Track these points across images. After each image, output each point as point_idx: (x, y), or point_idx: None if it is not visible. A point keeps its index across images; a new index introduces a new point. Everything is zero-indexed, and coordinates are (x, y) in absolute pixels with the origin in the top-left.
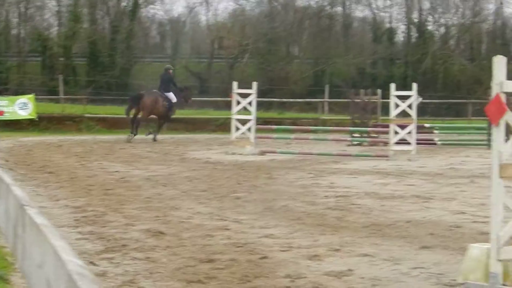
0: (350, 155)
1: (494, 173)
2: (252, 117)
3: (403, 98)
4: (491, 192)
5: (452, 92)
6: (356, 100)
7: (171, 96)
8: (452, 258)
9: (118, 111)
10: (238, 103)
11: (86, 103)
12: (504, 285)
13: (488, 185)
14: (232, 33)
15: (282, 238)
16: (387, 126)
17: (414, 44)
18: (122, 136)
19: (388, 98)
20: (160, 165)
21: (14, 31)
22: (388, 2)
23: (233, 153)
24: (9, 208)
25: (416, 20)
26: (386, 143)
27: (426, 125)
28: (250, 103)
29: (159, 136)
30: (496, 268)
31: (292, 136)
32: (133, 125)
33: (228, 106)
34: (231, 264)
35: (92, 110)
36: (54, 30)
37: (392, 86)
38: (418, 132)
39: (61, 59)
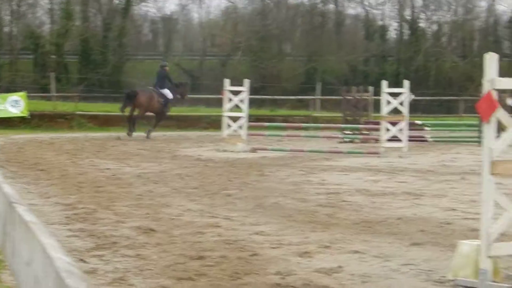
0: (341, 152)
1: (485, 170)
2: (243, 114)
3: (395, 95)
4: (482, 189)
5: (444, 89)
6: (347, 97)
7: (166, 92)
8: (442, 255)
9: (110, 108)
10: (230, 100)
11: (78, 100)
12: (493, 281)
13: (479, 182)
14: (224, 31)
15: (272, 235)
16: (379, 123)
17: (406, 42)
18: (114, 134)
19: (380, 95)
20: (152, 163)
21: (6, 29)
22: (381, 0)
23: (225, 150)
24: None
25: (408, 18)
26: (377, 140)
27: (418, 122)
28: (241, 101)
29: (151, 134)
30: (486, 264)
31: (284, 133)
32: (130, 124)
33: (220, 103)
34: (221, 261)
35: (84, 107)
36: (46, 28)
37: (384, 83)
38: (409, 129)
39: (53, 56)
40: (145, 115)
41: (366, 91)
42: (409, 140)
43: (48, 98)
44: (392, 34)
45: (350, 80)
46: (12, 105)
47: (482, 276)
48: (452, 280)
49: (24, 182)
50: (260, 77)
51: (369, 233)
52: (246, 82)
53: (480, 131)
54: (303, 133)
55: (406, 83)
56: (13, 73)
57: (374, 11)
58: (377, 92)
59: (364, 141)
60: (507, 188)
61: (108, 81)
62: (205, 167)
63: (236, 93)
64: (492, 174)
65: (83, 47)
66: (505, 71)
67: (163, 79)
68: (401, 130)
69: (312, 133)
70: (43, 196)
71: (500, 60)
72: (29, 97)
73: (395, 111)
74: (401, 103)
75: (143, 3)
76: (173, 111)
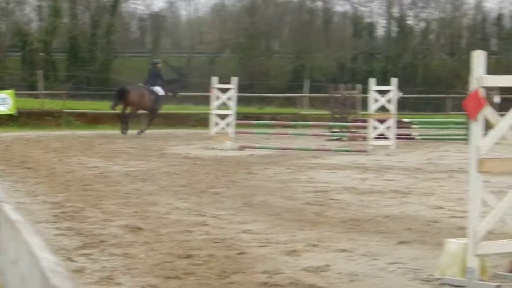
0: (329, 150)
1: (472, 168)
2: (231, 112)
3: (382, 93)
4: (469, 187)
5: (432, 86)
6: (335, 95)
7: (158, 89)
8: (430, 253)
9: (97, 106)
10: (218, 98)
11: (66, 98)
12: (481, 280)
13: (466, 180)
14: (212, 28)
15: (260, 234)
16: (367, 121)
17: (394, 39)
18: (102, 132)
19: (368, 93)
20: (139, 161)
21: None
22: None
23: (213, 148)
24: None
25: (396, 15)
26: (365, 138)
27: (405, 120)
28: (229, 98)
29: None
30: (473, 263)
31: (272, 131)
32: (123, 122)
33: (208, 101)
34: (209, 259)
35: (72, 105)
36: (34, 25)
37: (372, 81)
38: (397, 127)
39: (41, 54)
40: (137, 112)
41: (354, 88)
42: (397, 138)
43: (36, 96)
44: (380, 31)
45: (338, 77)
46: (0, 103)
47: (469, 275)
48: (440, 279)
49: (12, 181)
50: (248, 74)
51: (357, 232)
52: (234, 79)
53: (467, 129)
54: (291, 131)
55: (394, 80)
56: (1, 71)
57: (362, 9)
58: (365, 90)
59: (352, 139)
60: (495, 186)
61: (96, 78)
62: (193, 165)
63: (224, 90)
64: (480, 172)
65: (71, 44)
66: (492, 68)
67: (155, 77)
68: (388, 128)
69: (300, 131)
70: (31, 195)
71: (488, 57)
72: (17, 95)
73: (383, 109)
74: (388, 101)
75: (131, 1)
76: (161, 108)
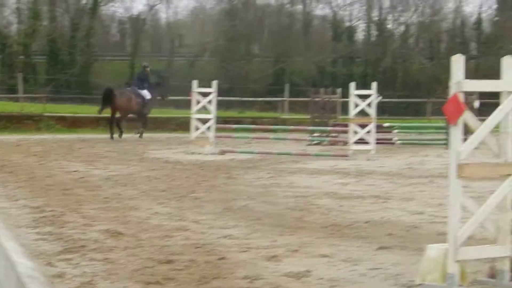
0: (309, 155)
1: (452, 173)
2: (212, 116)
3: (362, 97)
4: (449, 192)
5: (412, 91)
6: (315, 99)
7: (145, 93)
8: (410, 259)
9: (78, 110)
10: (198, 102)
11: (46, 101)
12: (460, 286)
13: (446, 185)
14: (192, 31)
15: (241, 239)
16: (347, 125)
17: (374, 43)
18: (82, 135)
19: (348, 97)
20: (120, 165)
21: None
22: (348, 0)
23: (193, 153)
24: None
25: (376, 19)
26: (345, 143)
27: (386, 124)
28: (210, 102)
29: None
30: (453, 269)
31: (252, 135)
32: (113, 127)
33: (188, 105)
34: (189, 265)
35: (52, 109)
36: (14, 28)
37: (352, 85)
38: (377, 132)
39: (21, 57)
40: (128, 116)
41: (334, 93)
42: (377, 143)
43: (16, 99)
44: (359, 35)
45: (318, 81)
46: None
47: (450, 281)
48: (420, 285)
49: None
50: (228, 78)
51: (337, 237)
52: (214, 83)
53: (447, 134)
54: (271, 135)
55: (374, 85)
56: None
57: (342, 12)
58: (345, 94)
59: (332, 143)
60: (475, 191)
61: (76, 81)
62: (173, 169)
63: (204, 94)
64: (459, 177)
65: (51, 47)
66: (472, 73)
67: (142, 80)
68: (369, 132)
69: (280, 135)
70: (11, 199)
71: (467, 61)
72: None
73: (363, 113)
74: (369, 105)
75: (111, 3)
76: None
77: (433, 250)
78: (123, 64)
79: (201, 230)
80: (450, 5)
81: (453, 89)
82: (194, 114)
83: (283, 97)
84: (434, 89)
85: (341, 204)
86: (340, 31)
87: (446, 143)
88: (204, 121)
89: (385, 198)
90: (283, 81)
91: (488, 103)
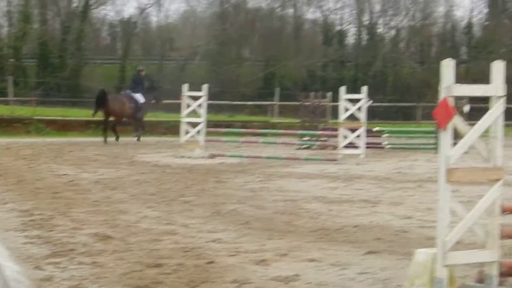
0: (299, 159)
1: (441, 177)
2: (202, 120)
3: (353, 101)
4: (438, 196)
5: (402, 95)
6: (305, 103)
7: (138, 97)
8: (399, 263)
9: (68, 113)
10: (188, 105)
11: (36, 105)
12: None
13: (435, 189)
14: (183, 35)
15: (229, 243)
16: (337, 130)
17: (364, 47)
18: (72, 139)
19: (338, 101)
20: (109, 168)
21: None
22: (339, 4)
23: (182, 156)
24: None
25: (366, 23)
26: (335, 147)
27: (375, 128)
28: (200, 106)
29: (109, 139)
30: (442, 273)
31: (242, 139)
32: (105, 131)
33: (178, 108)
34: (178, 268)
35: (42, 112)
36: (4, 31)
37: (342, 89)
38: (367, 136)
39: (11, 60)
40: (122, 120)
41: (324, 97)
42: (367, 147)
43: (6, 102)
44: (350, 39)
45: (308, 85)
46: None
47: (438, 285)
48: None
49: None
50: (219, 82)
51: (326, 241)
52: (205, 87)
53: (437, 138)
54: (261, 139)
55: (364, 89)
56: None
57: (333, 16)
58: (335, 98)
59: (322, 147)
60: (464, 195)
61: (67, 85)
62: (162, 173)
63: (194, 98)
64: (449, 181)
65: (41, 50)
66: (462, 77)
67: (137, 84)
68: (358, 136)
69: (270, 139)
70: (0, 202)
71: (458, 66)
72: None
73: (353, 118)
74: (359, 109)
75: (102, 7)
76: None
77: (422, 254)
78: (114, 68)
79: (190, 234)
80: (440, 10)
81: (443, 94)
82: (184, 118)
83: (273, 101)
84: (424, 93)
85: (330, 209)
86: (330, 35)
87: (435, 148)
88: (194, 125)
89: (374, 202)
90: (274, 85)
91: (478, 108)
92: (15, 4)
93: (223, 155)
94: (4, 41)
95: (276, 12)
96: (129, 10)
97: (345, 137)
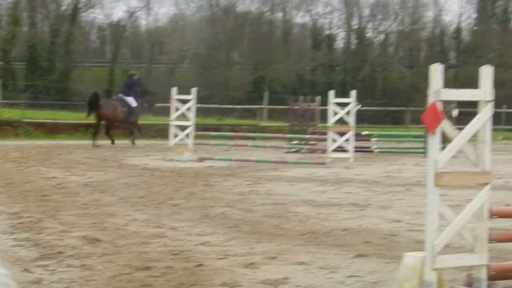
0: (288, 162)
1: (429, 181)
2: (191, 123)
3: (342, 105)
4: (427, 200)
5: (391, 99)
6: (294, 107)
7: (130, 100)
8: (388, 267)
9: (56, 116)
10: (177, 109)
11: (25, 107)
12: None
13: (424, 193)
14: (172, 38)
15: (218, 246)
16: (325, 133)
17: (353, 51)
18: (61, 142)
19: (327, 105)
20: (98, 171)
21: None
22: (328, 9)
23: (171, 160)
24: None
25: (355, 27)
26: (324, 151)
27: (364, 132)
28: (189, 109)
29: (100, 142)
30: (431, 277)
31: (231, 142)
32: (95, 134)
33: (167, 112)
34: (167, 271)
35: (31, 115)
36: None
37: (331, 93)
38: (356, 140)
39: (0, 62)
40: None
41: (313, 100)
42: (356, 151)
43: None
44: (339, 43)
45: (297, 89)
46: None
47: None
48: None
49: None
50: (208, 85)
51: (315, 244)
52: (194, 90)
53: (425, 142)
54: (250, 142)
55: (353, 93)
56: None
57: (322, 20)
58: (324, 102)
59: (311, 151)
60: (452, 199)
61: (55, 88)
62: (151, 176)
63: (183, 101)
64: (437, 185)
65: (30, 53)
66: (451, 82)
67: (129, 88)
68: (347, 140)
69: (259, 142)
70: None
71: (446, 70)
72: None
73: (342, 121)
74: (347, 113)
75: (91, 10)
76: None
77: (411, 258)
78: (103, 71)
79: (179, 237)
80: (429, 14)
81: (431, 98)
82: (173, 121)
83: (262, 104)
84: (413, 97)
85: (319, 212)
86: (319, 39)
87: (424, 152)
88: (183, 128)
89: (363, 206)
90: (263, 88)
91: (466, 112)
92: (4, 7)
93: (212, 159)
94: None
95: (266, 16)
96: (118, 13)
97: (334, 140)
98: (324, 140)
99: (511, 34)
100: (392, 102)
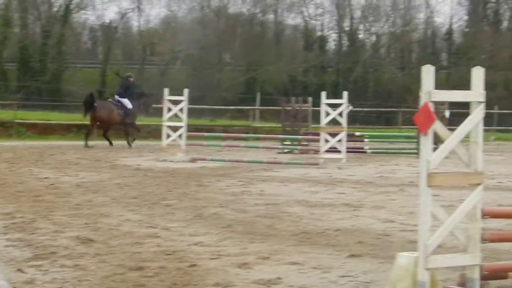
0: (280, 163)
1: (422, 182)
2: (183, 124)
3: (334, 106)
4: (419, 200)
5: (383, 100)
6: (287, 108)
7: (126, 102)
8: (381, 267)
9: (49, 116)
10: (169, 110)
11: (17, 108)
12: None
13: (417, 193)
14: (164, 40)
15: (211, 246)
16: (318, 134)
17: (345, 52)
18: (53, 142)
19: (319, 106)
20: (91, 172)
21: None
22: (320, 10)
23: (164, 160)
24: None
25: (347, 29)
26: (316, 151)
27: (357, 133)
28: (181, 110)
29: (92, 143)
30: (424, 276)
31: (223, 143)
32: (88, 135)
33: (160, 112)
34: (160, 272)
35: (23, 115)
36: None
37: (323, 94)
38: (348, 140)
39: None
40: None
41: (305, 102)
42: (348, 152)
43: None
44: (331, 44)
45: (289, 90)
46: None
47: None
48: None
49: None
50: (200, 86)
51: (308, 245)
52: (186, 91)
53: (418, 143)
54: (242, 143)
55: (345, 94)
56: None
57: (313, 22)
58: (316, 103)
59: (303, 152)
60: (445, 200)
61: (47, 89)
62: (144, 176)
63: (175, 102)
64: (430, 186)
65: (22, 54)
66: (443, 83)
67: (125, 90)
68: (340, 141)
69: (251, 143)
70: None
71: (438, 72)
72: None
73: (334, 122)
74: (340, 114)
75: (83, 11)
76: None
77: (404, 258)
78: (95, 72)
79: (172, 237)
80: (421, 16)
81: (423, 99)
82: (166, 122)
83: (254, 105)
84: (405, 98)
85: (312, 212)
86: (311, 40)
87: (416, 152)
88: (176, 129)
89: (356, 206)
90: (255, 89)
91: (458, 113)
92: None
93: (204, 159)
94: None
95: (257, 17)
96: (110, 14)
97: (327, 141)
98: (317, 140)
99: (502, 36)
100: (384, 103)
